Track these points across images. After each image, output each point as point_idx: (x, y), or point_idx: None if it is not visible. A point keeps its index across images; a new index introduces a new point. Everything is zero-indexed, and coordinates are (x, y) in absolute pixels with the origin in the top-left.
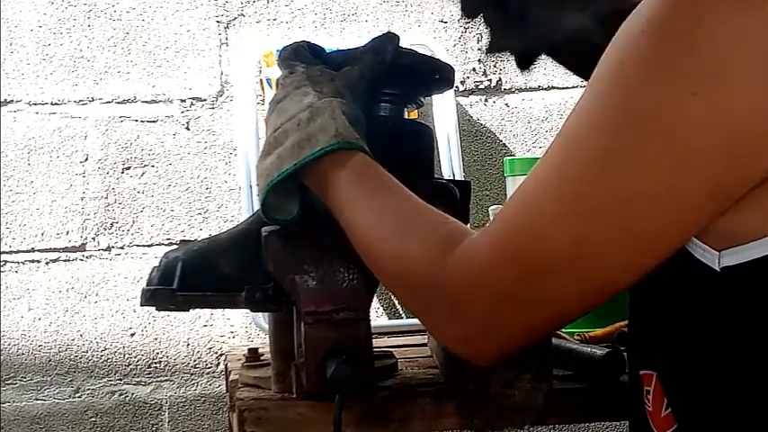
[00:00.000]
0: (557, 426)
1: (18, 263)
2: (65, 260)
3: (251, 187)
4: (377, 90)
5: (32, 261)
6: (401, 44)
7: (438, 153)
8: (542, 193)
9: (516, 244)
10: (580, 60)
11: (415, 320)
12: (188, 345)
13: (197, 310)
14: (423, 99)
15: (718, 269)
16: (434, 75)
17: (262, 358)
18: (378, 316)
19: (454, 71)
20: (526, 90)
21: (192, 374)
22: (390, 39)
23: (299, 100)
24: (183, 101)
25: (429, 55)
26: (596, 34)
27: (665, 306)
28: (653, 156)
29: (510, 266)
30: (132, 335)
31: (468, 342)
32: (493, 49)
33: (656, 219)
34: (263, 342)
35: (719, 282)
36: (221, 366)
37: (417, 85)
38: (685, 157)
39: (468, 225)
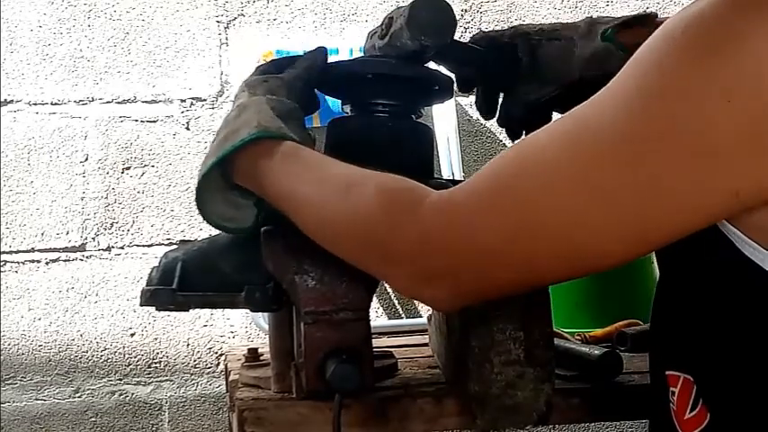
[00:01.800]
0: (557, 426)
1: (18, 263)
2: (65, 260)
3: None
4: (378, 101)
5: (32, 261)
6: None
7: (438, 153)
8: (546, 163)
9: (507, 204)
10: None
11: (416, 320)
12: (188, 345)
13: (197, 310)
14: (423, 110)
15: (767, 269)
16: (434, 86)
17: (261, 358)
18: (378, 316)
19: (453, 82)
20: None
21: (192, 374)
22: (320, 50)
23: (234, 104)
24: (183, 101)
25: (429, 67)
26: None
27: (704, 305)
28: (677, 152)
29: (495, 224)
30: (132, 335)
31: (432, 280)
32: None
33: (666, 211)
34: (263, 342)
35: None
36: (221, 366)
37: (418, 96)
38: (709, 158)
39: None
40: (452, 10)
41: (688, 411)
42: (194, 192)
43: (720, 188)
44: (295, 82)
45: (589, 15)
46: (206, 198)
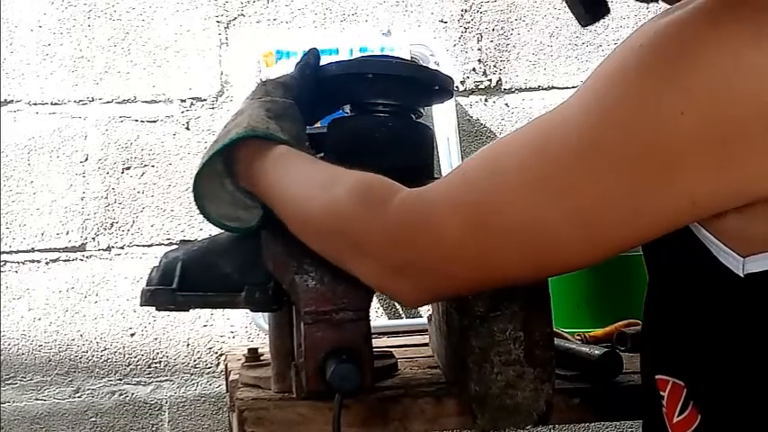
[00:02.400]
0: (557, 426)
1: (18, 263)
2: (65, 260)
3: None
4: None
5: (32, 261)
6: (402, 55)
7: (438, 153)
8: (512, 165)
9: (472, 203)
10: None
11: (416, 320)
12: (188, 345)
13: (197, 310)
14: (423, 110)
15: (742, 275)
16: (434, 86)
17: (262, 358)
18: (378, 316)
19: (453, 82)
20: (526, 90)
21: (192, 374)
22: (313, 51)
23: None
24: (183, 101)
25: (429, 67)
26: None
27: (686, 310)
28: (634, 160)
29: (459, 219)
30: (132, 335)
31: (398, 274)
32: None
33: (623, 216)
34: (263, 342)
35: (743, 288)
36: (221, 366)
37: (418, 96)
38: (666, 167)
39: None
40: None
41: (677, 415)
42: (192, 193)
43: (676, 195)
44: (291, 81)
45: None
46: (207, 200)
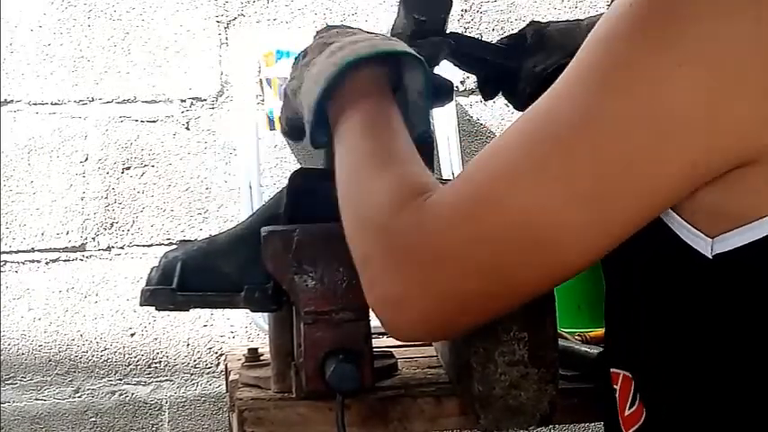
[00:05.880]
0: (557, 426)
1: (18, 263)
2: (65, 260)
3: (251, 187)
4: None
5: (32, 261)
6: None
7: (438, 153)
8: (509, 155)
9: (471, 204)
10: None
11: None
12: (188, 345)
13: (197, 310)
14: None
15: (710, 256)
16: (434, 89)
17: (262, 358)
18: None
19: (453, 85)
20: None
21: (192, 374)
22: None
23: (305, 60)
24: (183, 101)
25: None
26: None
27: (644, 299)
28: (631, 124)
29: (460, 226)
30: (132, 335)
31: (395, 301)
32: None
33: (626, 189)
34: (263, 342)
35: (711, 270)
36: (221, 366)
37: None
38: (666, 127)
39: None
40: None
41: (627, 407)
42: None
43: (678, 160)
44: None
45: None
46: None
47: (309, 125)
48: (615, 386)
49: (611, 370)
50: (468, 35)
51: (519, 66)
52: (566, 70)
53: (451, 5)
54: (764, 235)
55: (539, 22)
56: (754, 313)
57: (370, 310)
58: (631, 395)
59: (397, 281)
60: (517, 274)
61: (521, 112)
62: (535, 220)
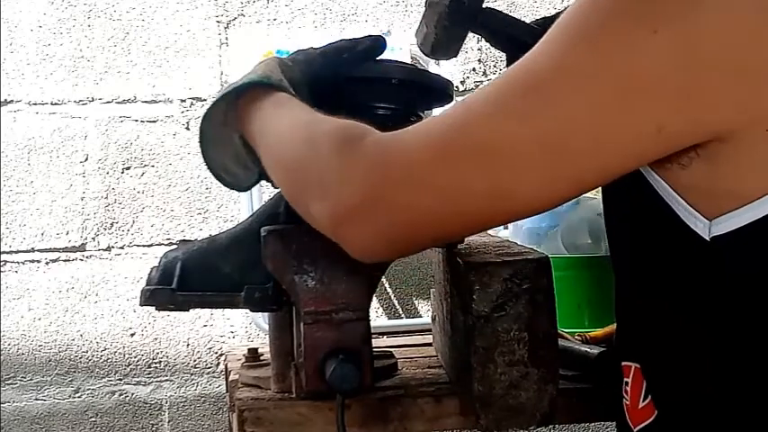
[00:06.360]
0: (557, 426)
1: (18, 263)
2: (65, 260)
3: None
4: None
5: (32, 261)
6: (403, 56)
7: None
8: (485, 94)
9: (441, 131)
10: None
11: (416, 320)
12: (188, 345)
13: (197, 310)
14: (423, 113)
15: (707, 238)
16: (433, 90)
17: (261, 358)
18: (378, 316)
19: (453, 85)
20: None
21: (192, 374)
22: (375, 42)
23: None
24: (183, 101)
25: (429, 70)
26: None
27: (653, 286)
28: (600, 77)
29: (425, 147)
30: (132, 335)
31: (352, 215)
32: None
33: (589, 138)
34: (263, 342)
35: (709, 252)
36: (221, 366)
37: (417, 99)
38: (633, 85)
39: None
40: None
41: (641, 400)
42: (198, 135)
43: (641, 121)
44: (316, 57)
45: None
46: (214, 144)
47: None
48: (627, 379)
49: (623, 363)
50: (502, 12)
51: None
52: (553, 24)
53: None
54: (761, 216)
55: None
56: (752, 297)
57: (329, 235)
58: (644, 389)
59: (354, 193)
60: (471, 200)
61: None
62: (497, 152)
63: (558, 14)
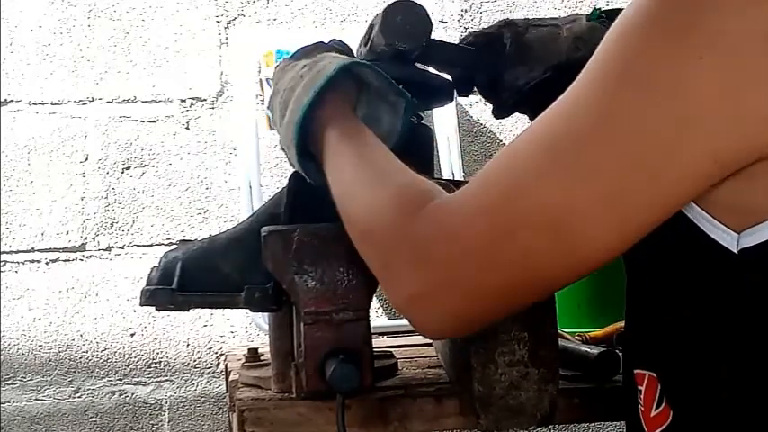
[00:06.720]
0: (557, 426)
1: (18, 263)
2: (65, 260)
3: (251, 187)
4: None
5: (32, 261)
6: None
7: (438, 153)
8: (530, 152)
9: (495, 200)
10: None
11: None
12: (188, 345)
13: (197, 310)
14: (423, 113)
15: (736, 251)
16: (434, 90)
17: (262, 358)
18: (378, 316)
19: (453, 85)
20: None
21: (192, 374)
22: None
23: (294, 69)
24: (183, 101)
25: (429, 71)
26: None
27: (668, 296)
28: (653, 118)
29: (485, 221)
30: (132, 335)
31: (422, 299)
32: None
33: (648, 182)
34: (263, 342)
35: (737, 265)
36: (221, 366)
37: (417, 99)
38: (687, 120)
39: None
40: (426, 12)
41: (654, 408)
42: (294, 139)
43: (698, 153)
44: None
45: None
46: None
47: (297, 161)
48: (640, 387)
49: (635, 371)
50: (445, 42)
51: (498, 73)
52: (583, 69)
53: (431, 32)
54: None
55: (515, 22)
56: None
57: (399, 313)
58: (657, 396)
59: (421, 279)
60: (540, 265)
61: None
62: (558, 215)
63: (499, 32)
